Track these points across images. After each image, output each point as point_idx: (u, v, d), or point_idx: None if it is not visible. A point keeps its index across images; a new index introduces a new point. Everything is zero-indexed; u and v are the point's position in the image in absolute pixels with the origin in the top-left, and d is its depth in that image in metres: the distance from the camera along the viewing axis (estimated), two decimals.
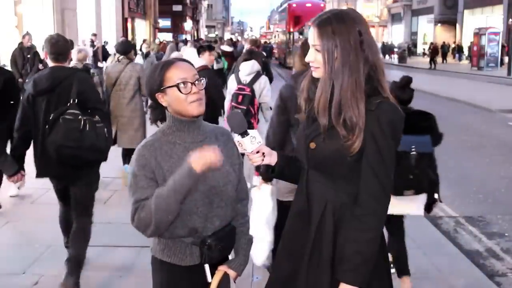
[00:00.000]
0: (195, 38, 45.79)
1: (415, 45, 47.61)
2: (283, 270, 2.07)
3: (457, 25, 41.02)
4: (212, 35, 63.42)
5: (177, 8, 45.13)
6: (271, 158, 2.06)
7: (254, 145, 1.99)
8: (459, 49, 38.83)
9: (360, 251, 1.86)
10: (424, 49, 36.05)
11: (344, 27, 1.88)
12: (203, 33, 64.22)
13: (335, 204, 1.94)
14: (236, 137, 2.02)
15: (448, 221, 5.83)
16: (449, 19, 42.10)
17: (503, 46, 29.58)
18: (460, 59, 38.28)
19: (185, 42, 22.99)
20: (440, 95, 17.57)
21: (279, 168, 2.08)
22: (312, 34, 1.92)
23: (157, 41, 27.73)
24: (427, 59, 35.25)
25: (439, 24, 44.03)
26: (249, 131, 2.00)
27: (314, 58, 1.93)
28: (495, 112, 13.84)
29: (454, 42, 39.91)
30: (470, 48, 33.86)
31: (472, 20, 38.38)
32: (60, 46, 3.79)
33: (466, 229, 5.58)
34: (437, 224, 5.64)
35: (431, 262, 4.46)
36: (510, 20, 30.26)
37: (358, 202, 1.89)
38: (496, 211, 6.10)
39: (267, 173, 2.11)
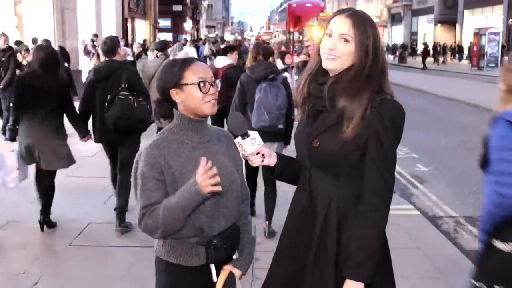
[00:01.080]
0: (195, 38, 45.77)
1: (416, 45, 47.61)
2: (286, 268, 2.07)
3: (457, 25, 41.00)
4: (212, 35, 63.41)
5: (177, 8, 45.09)
6: (271, 159, 2.07)
7: (254, 147, 2.00)
8: (459, 49, 38.80)
9: (364, 248, 1.87)
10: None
11: (371, 26, 1.93)
12: (203, 33, 64.20)
13: (339, 202, 1.95)
14: (237, 139, 2.03)
15: (448, 221, 5.82)
16: (449, 19, 42.08)
17: (503, 46, 29.56)
18: (460, 59, 38.28)
19: (185, 42, 23.00)
20: (439, 95, 17.56)
21: (279, 169, 2.09)
22: (342, 23, 1.91)
23: (157, 40, 27.69)
24: (429, 59, 35.23)
25: (439, 24, 44.01)
26: (249, 132, 2.01)
27: (338, 47, 1.92)
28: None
29: (454, 42, 39.88)
30: (470, 48, 33.84)
31: (472, 20, 38.36)
32: (107, 45, 5.02)
33: (466, 229, 5.57)
34: (437, 224, 5.64)
35: (431, 262, 4.46)
36: (510, 20, 30.27)
37: (361, 198, 1.90)
38: None
39: (266, 174, 2.13)
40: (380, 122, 1.87)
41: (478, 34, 30.10)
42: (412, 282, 4.04)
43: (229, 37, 57.76)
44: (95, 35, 17.75)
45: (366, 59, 1.90)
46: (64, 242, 4.69)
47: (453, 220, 5.84)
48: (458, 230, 5.53)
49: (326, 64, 1.96)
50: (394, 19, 54.00)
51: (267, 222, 4.84)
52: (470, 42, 33.41)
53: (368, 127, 1.87)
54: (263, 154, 2.04)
